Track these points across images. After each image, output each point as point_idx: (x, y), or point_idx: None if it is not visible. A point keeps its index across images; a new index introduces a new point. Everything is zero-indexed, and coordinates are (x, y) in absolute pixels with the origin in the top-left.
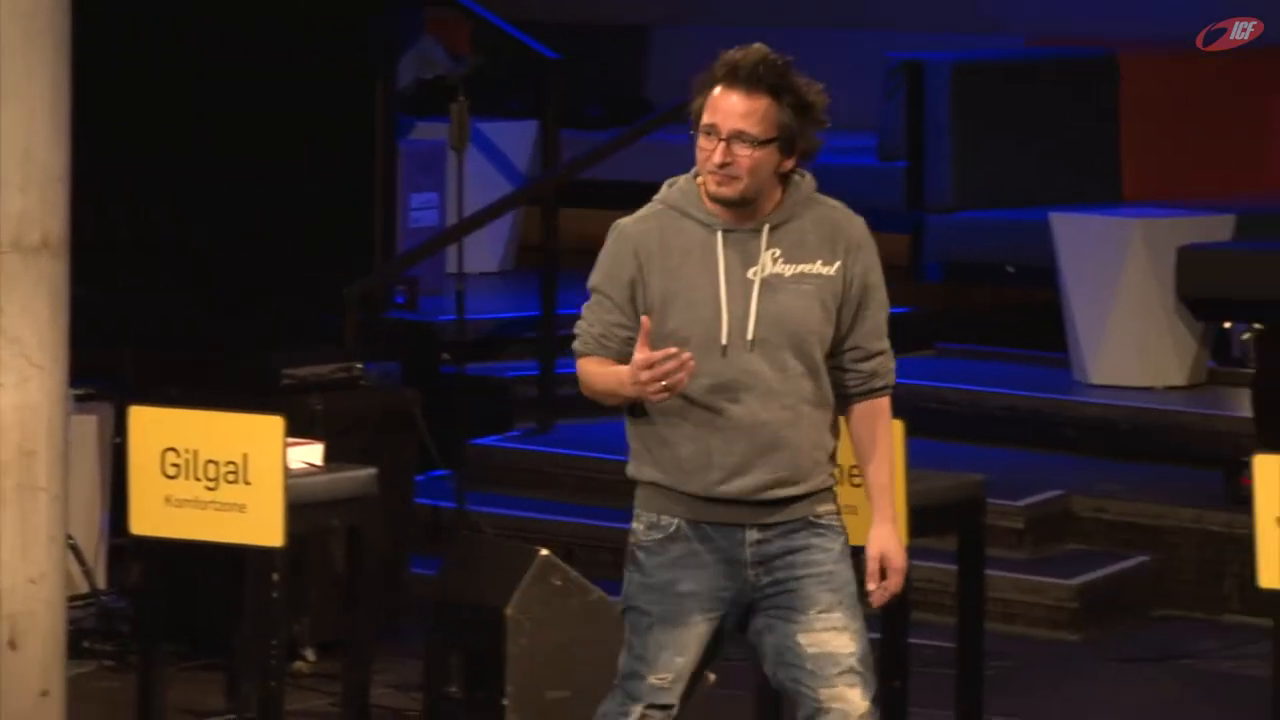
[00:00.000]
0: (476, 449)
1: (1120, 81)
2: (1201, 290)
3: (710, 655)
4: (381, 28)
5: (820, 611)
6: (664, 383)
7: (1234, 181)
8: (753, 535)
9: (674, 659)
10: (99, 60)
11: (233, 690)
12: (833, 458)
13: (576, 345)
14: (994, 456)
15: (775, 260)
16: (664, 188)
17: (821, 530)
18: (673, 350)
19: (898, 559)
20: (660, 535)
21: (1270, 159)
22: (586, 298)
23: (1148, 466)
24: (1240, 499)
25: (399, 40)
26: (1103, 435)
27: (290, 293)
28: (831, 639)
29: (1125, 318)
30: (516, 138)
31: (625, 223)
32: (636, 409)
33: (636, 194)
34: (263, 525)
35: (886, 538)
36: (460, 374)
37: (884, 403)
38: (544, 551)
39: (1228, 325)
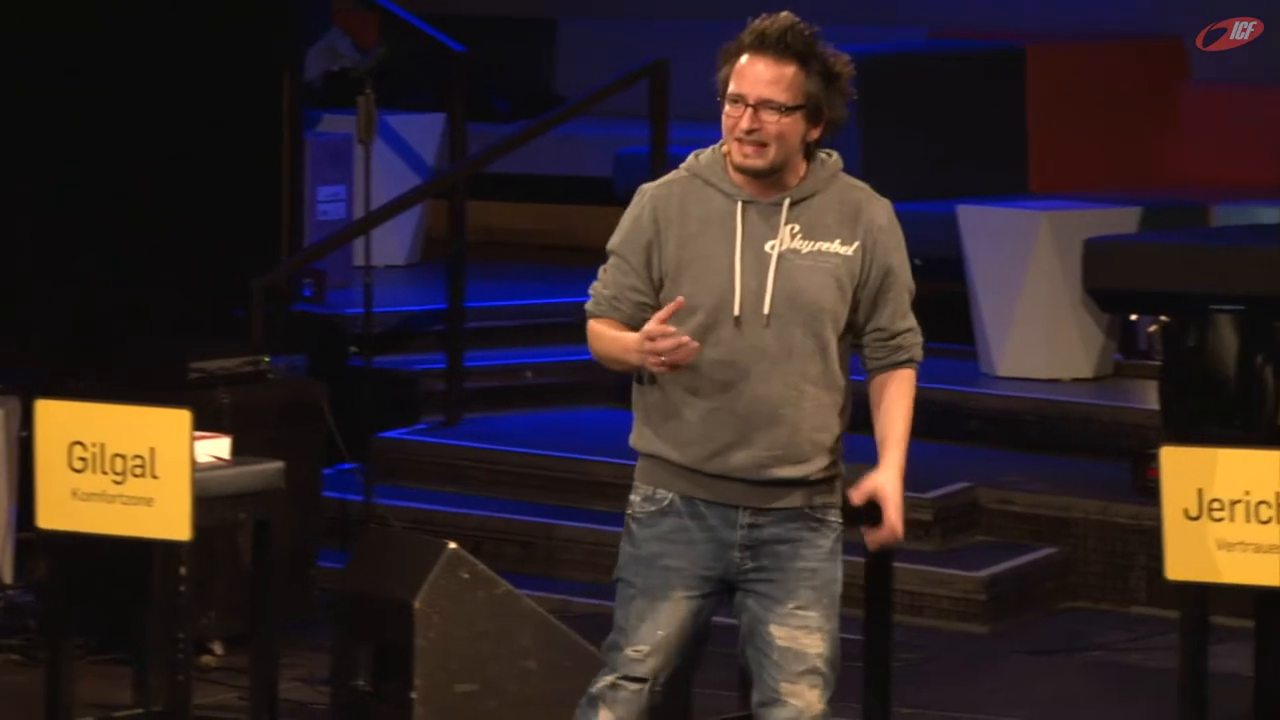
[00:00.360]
0: (384, 442)
1: (1027, 74)
2: (1108, 283)
3: (697, 635)
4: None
5: (797, 607)
6: (663, 358)
7: (1140, 173)
8: (745, 518)
9: (654, 632)
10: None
11: (140, 684)
12: (836, 448)
13: (589, 306)
14: None
15: (793, 235)
16: (690, 157)
17: (815, 524)
18: (674, 331)
19: (896, 503)
20: (653, 508)
21: (1176, 151)
22: (493, 290)
23: (1055, 459)
24: (1147, 491)
25: (306, 33)
26: (1010, 427)
27: (197, 286)
28: (802, 636)
29: (1032, 310)
30: (424, 131)
31: (649, 187)
32: (643, 379)
33: (544, 187)
34: (170, 519)
35: (884, 479)
36: (367, 367)
37: (907, 372)
38: (452, 545)
39: (1134, 318)
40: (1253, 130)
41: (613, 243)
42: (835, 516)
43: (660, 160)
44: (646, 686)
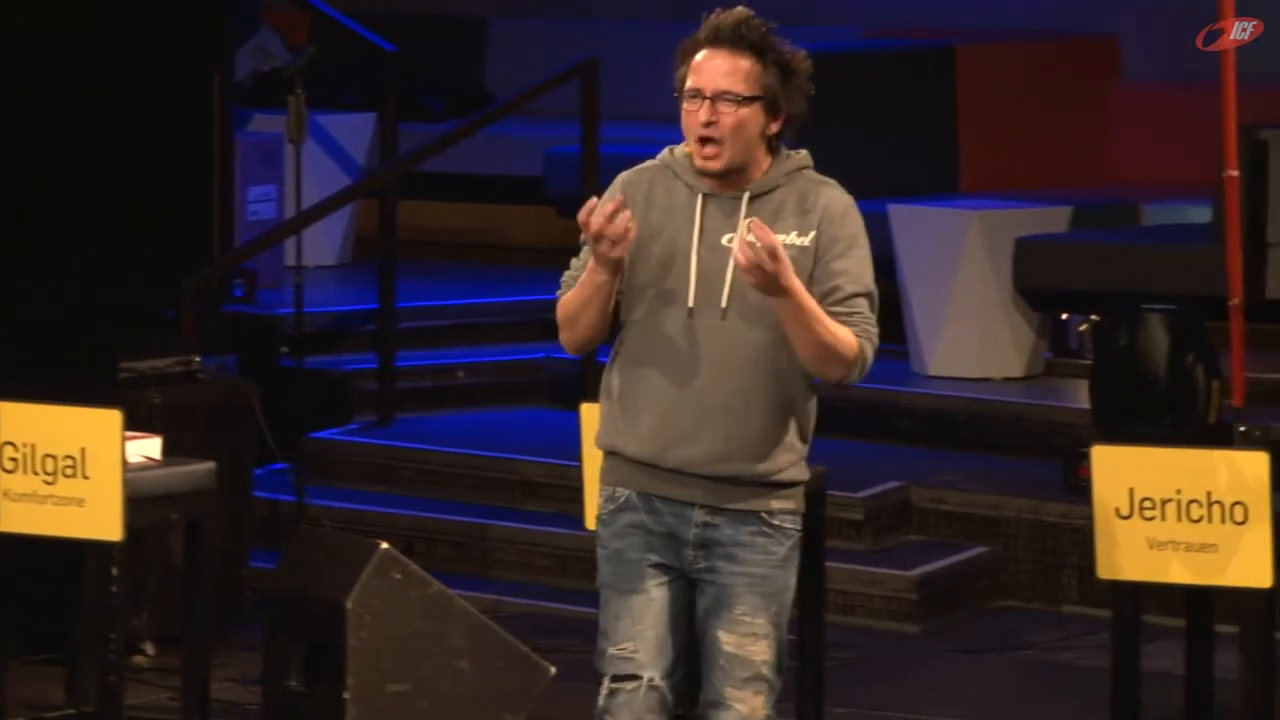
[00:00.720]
0: (315, 442)
1: (957, 73)
2: (1039, 282)
3: (682, 623)
4: (219, 20)
5: (744, 614)
6: (605, 231)
7: (1071, 173)
8: (701, 515)
9: (632, 627)
10: None
11: (72, 684)
12: (798, 448)
13: (559, 292)
14: (833, 448)
15: (751, 229)
16: (666, 150)
17: (770, 531)
18: (598, 203)
19: (784, 257)
20: (613, 506)
21: (1107, 150)
22: (425, 290)
23: (986, 458)
24: (1079, 490)
25: (236, 32)
26: (941, 426)
27: (127, 286)
28: (749, 644)
29: (963, 309)
30: (355, 130)
31: (624, 174)
32: (612, 371)
33: (476, 187)
34: (102, 519)
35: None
36: (299, 367)
37: (849, 328)
38: (384, 545)
39: (1065, 317)
40: (1183, 129)
41: None
42: (793, 524)
43: (592, 159)
44: (643, 683)
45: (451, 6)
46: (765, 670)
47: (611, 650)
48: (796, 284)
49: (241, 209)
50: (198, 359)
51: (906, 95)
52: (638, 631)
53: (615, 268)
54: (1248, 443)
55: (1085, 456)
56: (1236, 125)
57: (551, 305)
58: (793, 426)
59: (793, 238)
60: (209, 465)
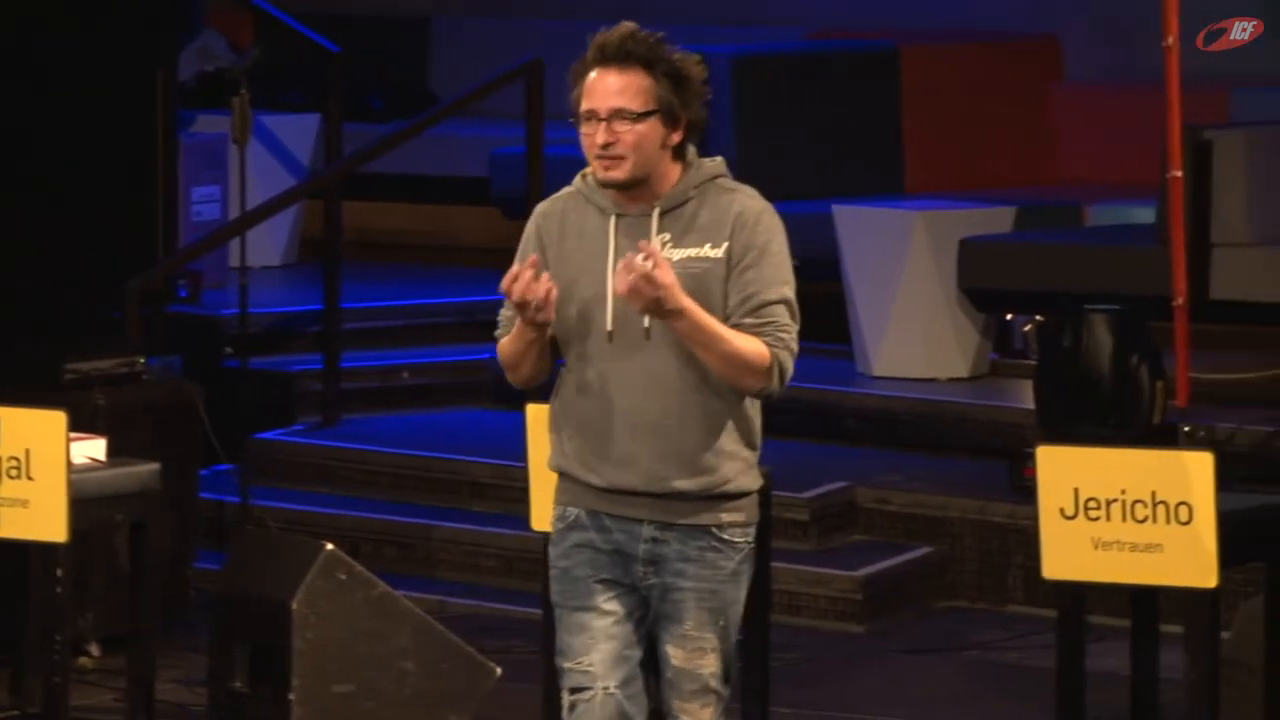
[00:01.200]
0: (260, 443)
1: (901, 73)
2: (983, 282)
3: (634, 638)
4: (162, 20)
5: (693, 629)
6: (527, 298)
7: (1015, 173)
8: (649, 531)
9: (586, 643)
10: None
11: (17, 686)
12: (742, 457)
13: (498, 333)
14: (778, 449)
15: (664, 245)
16: (578, 176)
17: (720, 545)
18: (519, 271)
19: (664, 274)
20: (562, 525)
21: (1050, 151)
22: (369, 291)
23: (931, 458)
24: (1023, 490)
25: (180, 33)
26: (887, 427)
27: (71, 286)
28: (696, 658)
29: (908, 310)
30: (299, 131)
31: (540, 205)
32: (555, 398)
33: (420, 187)
34: (46, 520)
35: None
36: (244, 368)
37: (762, 341)
38: (329, 546)
39: (1009, 317)
40: (1126, 130)
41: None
42: (743, 537)
43: (536, 160)
44: (598, 692)
45: (395, 7)
46: (713, 683)
47: (568, 665)
48: (686, 303)
49: (186, 210)
50: (142, 360)
51: (850, 96)
52: (591, 646)
53: (542, 326)
54: (1192, 443)
55: (1030, 457)
56: (1180, 126)
57: (496, 306)
58: (734, 435)
59: (706, 250)
60: (154, 466)
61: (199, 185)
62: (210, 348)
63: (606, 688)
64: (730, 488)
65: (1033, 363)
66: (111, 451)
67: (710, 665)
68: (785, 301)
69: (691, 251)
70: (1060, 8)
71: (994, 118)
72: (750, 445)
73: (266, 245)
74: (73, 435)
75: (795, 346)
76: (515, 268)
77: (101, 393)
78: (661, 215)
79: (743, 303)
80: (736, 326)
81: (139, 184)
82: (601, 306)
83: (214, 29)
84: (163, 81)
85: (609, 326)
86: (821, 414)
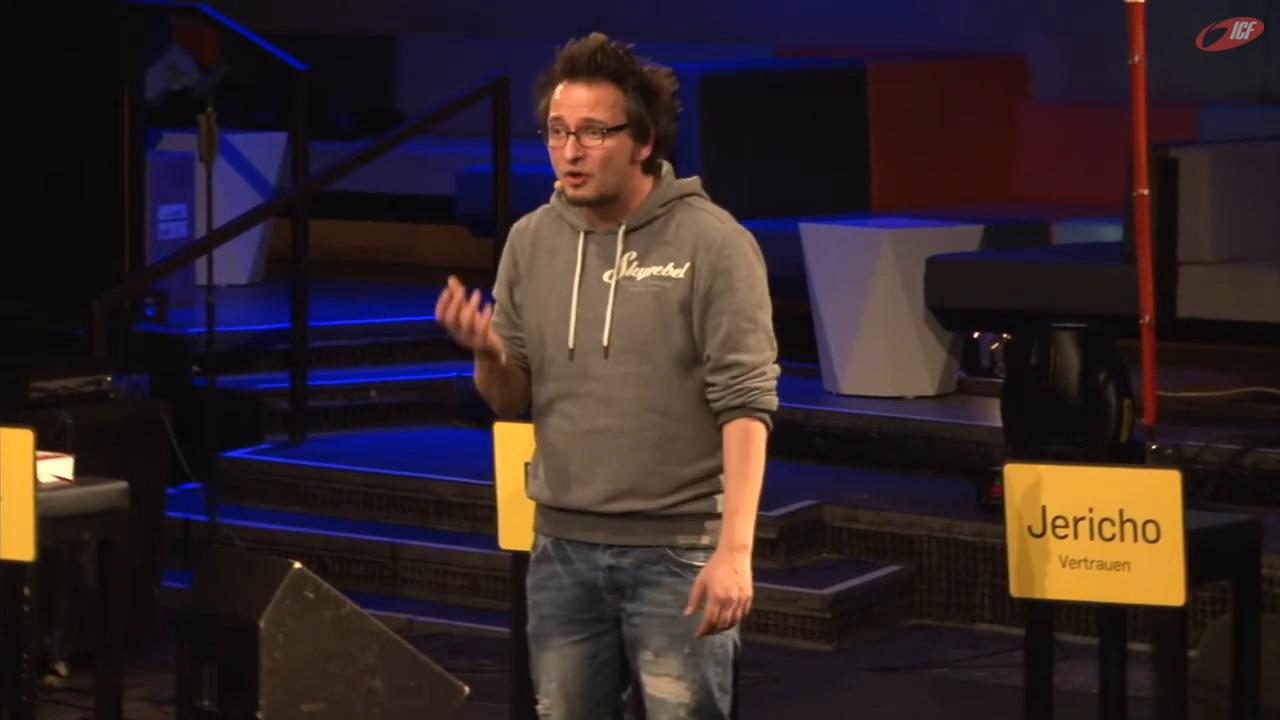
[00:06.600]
0: (227, 462)
1: (868, 92)
2: (950, 300)
3: (598, 680)
4: (127, 38)
5: (657, 655)
6: (459, 321)
7: (981, 191)
8: (606, 558)
9: (547, 684)
10: None
11: None
12: (701, 482)
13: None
14: None
15: (630, 263)
16: (555, 194)
17: (678, 570)
18: (449, 296)
19: (717, 587)
20: (534, 555)
21: (1017, 169)
22: (336, 309)
23: (899, 476)
24: (991, 508)
25: (145, 51)
26: (854, 445)
27: (38, 305)
28: (665, 685)
29: (875, 328)
30: (266, 149)
31: (518, 222)
32: (534, 422)
33: (387, 206)
34: (13, 539)
35: (715, 565)
36: (211, 386)
37: (746, 424)
38: (296, 564)
39: (977, 335)
40: (1093, 148)
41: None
42: (703, 561)
43: (503, 179)
44: None
45: (362, 26)
46: (682, 713)
47: (539, 703)
48: (745, 561)
49: (152, 228)
50: (109, 378)
51: (817, 114)
52: (550, 689)
53: (489, 353)
54: (1160, 461)
55: (998, 475)
56: (1146, 144)
57: None
58: (692, 458)
59: (669, 269)
60: (121, 485)
61: (166, 203)
62: (177, 366)
63: None
64: (687, 509)
65: (1000, 381)
66: (78, 470)
67: (681, 694)
68: (757, 329)
69: (655, 270)
70: (1026, 26)
71: (961, 136)
72: (711, 466)
73: (233, 263)
74: (40, 454)
75: (773, 374)
76: (447, 291)
77: (68, 411)
78: (628, 233)
79: (712, 333)
80: (713, 371)
81: (105, 202)
82: (565, 325)
83: (181, 47)
84: (129, 99)
85: (570, 344)
86: (789, 432)
